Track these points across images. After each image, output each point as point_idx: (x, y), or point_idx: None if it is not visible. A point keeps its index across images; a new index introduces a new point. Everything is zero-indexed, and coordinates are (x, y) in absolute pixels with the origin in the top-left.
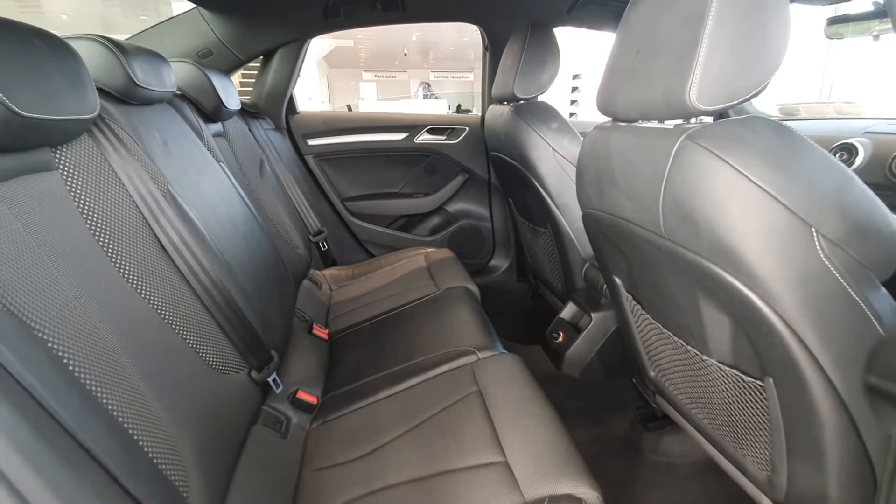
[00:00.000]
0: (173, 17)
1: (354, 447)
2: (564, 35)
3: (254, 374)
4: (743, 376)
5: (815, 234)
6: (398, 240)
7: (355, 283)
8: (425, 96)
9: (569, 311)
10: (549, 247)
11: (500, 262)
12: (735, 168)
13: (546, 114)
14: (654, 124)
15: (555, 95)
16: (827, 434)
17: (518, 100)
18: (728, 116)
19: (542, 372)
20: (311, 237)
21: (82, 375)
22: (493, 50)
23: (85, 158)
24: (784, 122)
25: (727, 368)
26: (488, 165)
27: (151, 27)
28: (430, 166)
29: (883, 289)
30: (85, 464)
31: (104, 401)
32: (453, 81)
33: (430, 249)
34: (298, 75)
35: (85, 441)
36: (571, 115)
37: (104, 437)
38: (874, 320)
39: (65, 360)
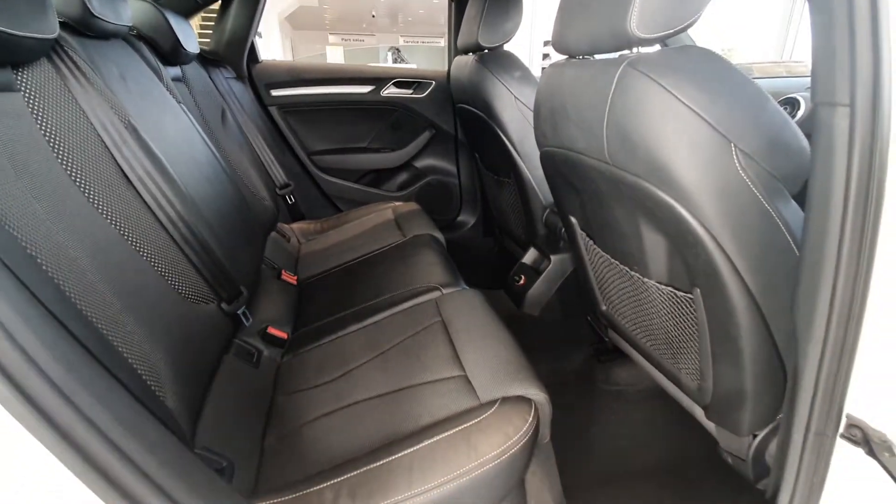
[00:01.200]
0: None
1: (325, 373)
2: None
3: (224, 305)
4: (676, 292)
5: (733, 148)
6: (366, 195)
7: (324, 237)
8: (395, 62)
9: (530, 255)
10: (512, 197)
11: (467, 218)
12: (667, 90)
13: (509, 62)
14: (602, 56)
15: (526, 62)
16: (743, 333)
17: (482, 49)
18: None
19: (504, 312)
20: (277, 190)
21: (53, 274)
22: (458, 2)
23: (46, 83)
24: (715, 52)
25: (663, 287)
26: (455, 121)
27: None
28: (396, 121)
29: (793, 201)
30: (71, 347)
31: (76, 301)
32: (424, 47)
33: (397, 203)
34: (259, 20)
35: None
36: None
37: (82, 332)
38: (783, 228)
39: (39, 261)
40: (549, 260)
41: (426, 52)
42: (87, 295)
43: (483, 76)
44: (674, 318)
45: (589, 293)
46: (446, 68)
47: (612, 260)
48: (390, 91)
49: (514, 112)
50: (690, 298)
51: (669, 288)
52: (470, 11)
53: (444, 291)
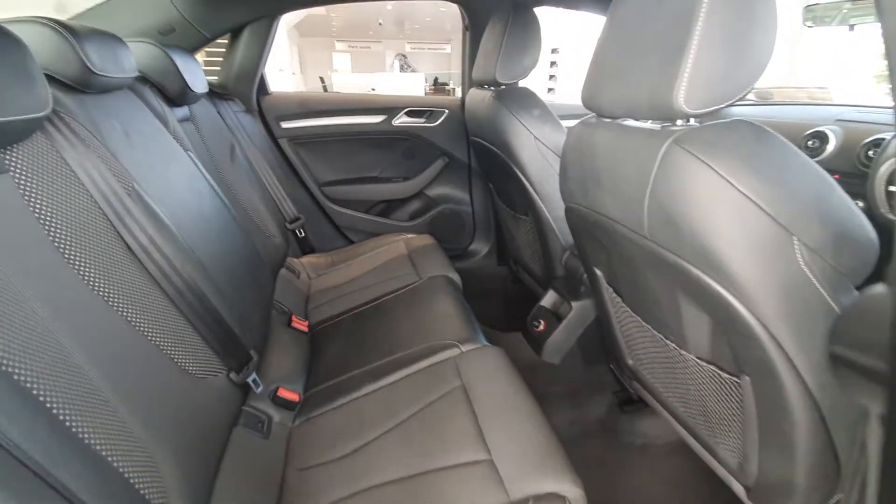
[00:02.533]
0: None
1: (339, 445)
2: (543, 8)
3: (233, 375)
4: (720, 372)
5: (795, 243)
6: (378, 225)
7: (334, 271)
8: (402, 69)
9: (549, 298)
10: (529, 234)
11: (481, 247)
12: (720, 174)
13: (528, 100)
14: (640, 123)
15: (532, 71)
16: (798, 430)
17: (499, 84)
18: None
19: (523, 359)
20: (287, 224)
21: (49, 401)
22: (474, 30)
23: (38, 157)
24: (766, 126)
25: (705, 364)
26: (468, 149)
27: (104, 2)
28: (408, 150)
29: (856, 293)
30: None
31: (74, 426)
32: (430, 54)
33: (410, 235)
34: (269, 54)
35: (55, 473)
36: (550, 90)
37: (77, 467)
38: None
39: (30, 387)
40: (571, 306)
41: (432, 59)
42: (85, 407)
43: (501, 114)
44: (715, 396)
45: (613, 345)
46: (451, 77)
47: (644, 324)
48: (402, 120)
49: (534, 152)
50: (737, 382)
51: (712, 367)
52: (487, 44)
53: (464, 348)
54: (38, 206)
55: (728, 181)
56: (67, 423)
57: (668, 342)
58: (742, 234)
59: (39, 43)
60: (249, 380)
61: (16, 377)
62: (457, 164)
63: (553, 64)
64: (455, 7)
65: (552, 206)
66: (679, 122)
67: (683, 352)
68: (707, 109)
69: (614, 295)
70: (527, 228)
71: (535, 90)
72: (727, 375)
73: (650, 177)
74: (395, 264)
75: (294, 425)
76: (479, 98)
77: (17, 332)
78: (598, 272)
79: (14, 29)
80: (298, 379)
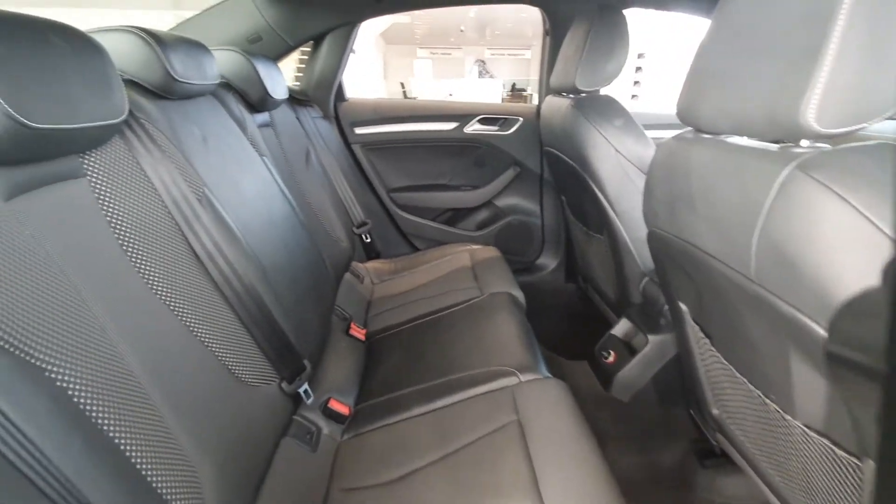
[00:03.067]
0: (223, 2)
1: (385, 468)
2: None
3: (284, 385)
4: (835, 449)
5: None
6: (443, 234)
7: (397, 279)
8: (480, 74)
9: (622, 327)
10: (603, 254)
11: (548, 261)
12: (862, 213)
13: (610, 110)
14: (750, 141)
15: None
16: None
17: (579, 92)
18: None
19: (587, 390)
20: (354, 229)
21: (90, 408)
22: (555, 35)
23: (115, 162)
24: None
25: (815, 436)
26: (541, 159)
27: (202, 12)
28: (479, 158)
29: None
30: None
31: (113, 435)
32: (509, 59)
33: (475, 246)
34: (347, 61)
35: (83, 490)
36: (633, 96)
37: (107, 484)
38: None
39: (71, 394)
40: (647, 339)
41: (511, 64)
42: (129, 415)
43: (579, 124)
44: (825, 475)
45: (696, 390)
46: (529, 82)
47: (738, 375)
48: (475, 128)
49: (613, 166)
50: (856, 465)
51: (825, 441)
52: (567, 49)
53: (522, 378)
54: (110, 209)
55: (871, 221)
56: (107, 432)
57: (767, 401)
58: None
59: (127, 51)
60: (301, 390)
61: (59, 383)
62: (528, 175)
63: (638, 69)
64: (537, 12)
65: (631, 225)
66: (804, 142)
67: (787, 416)
68: (843, 129)
69: (701, 335)
70: (600, 247)
71: (617, 97)
72: (844, 454)
73: (762, 208)
74: (457, 276)
75: (342, 440)
76: (556, 106)
77: (71, 335)
78: (683, 306)
79: (105, 37)
80: (350, 390)
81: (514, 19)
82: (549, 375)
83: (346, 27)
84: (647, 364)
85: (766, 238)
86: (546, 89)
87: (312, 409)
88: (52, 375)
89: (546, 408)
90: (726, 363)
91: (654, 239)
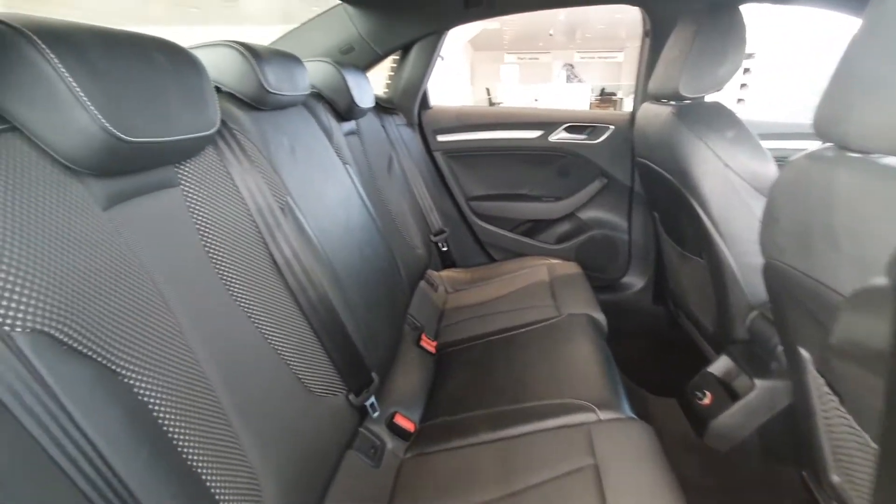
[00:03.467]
0: (320, 15)
1: (445, 496)
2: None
3: (352, 397)
4: None
5: None
6: (522, 245)
7: (472, 289)
8: (568, 79)
9: (721, 365)
10: (701, 278)
11: (635, 281)
12: None
13: (719, 118)
14: None
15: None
16: None
17: (682, 99)
18: None
19: (675, 432)
20: (431, 236)
21: (162, 415)
22: (656, 36)
23: (207, 171)
24: None
25: None
26: (632, 171)
27: (300, 25)
28: (564, 167)
29: None
30: None
31: (180, 442)
32: (599, 62)
33: (554, 261)
34: (433, 69)
35: (143, 502)
36: (739, 100)
37: (168, 497)
38: None
39: (144, 400)
40: (753, 384)
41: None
42: (200, 424)
43: (681, 135)
44: None
45: (812, 449)
46: (620, 86)
47: (872, 444)
48: (560, 136)
49: (721, 183)
50: None
51: None
52: (670, 51)
53: (602, 416)
54: (199, 216)
55: None
56: (174, 440)
57: None
58: None
59: (226, 64)
60: (367, 403)
61: (136, 390)
62: (616, 187)
63: (746, 71)
64: (633, 12)
65: (739, 250)
66: None
67: None
68: None
69: (826, 390)
70: (698, 271)
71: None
72: None
73: None
74: (534, 291)
75: (405, 457)
76: (654, 114)
77: (153, 343)
78: (805, 353)
79: (207, 52)
80: (416, 406)
81: (607, 21)
82: (633, 416)
83: (434, 36)
84: (752, 413)
85: None
86: (643, 96)
87: (378, 422)
88: (130, 382)
89: (627, 453)
90: (859, 429)
91: (773, 273)
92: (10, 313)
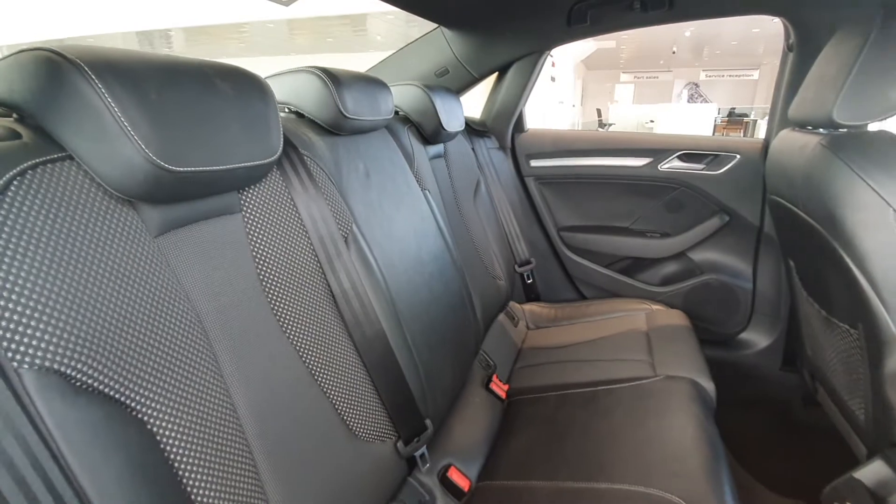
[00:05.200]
0: (419, 38)
1: None
2: None
3: (400, 445)
4: None
5: None
6: (618, 285)
7: (556, 328)
8: (690, 98)
9: (874, 472)
10: (853, 352)
11: (758, 339)
12: None
13: (889, 152)
14: None
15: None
16: None
17: (836, 127)
18: None
19: None
20: (516, 267)
21: (179, 460)
22: (802, 51)
23: (270, 198)
24: None
25: None
26: (762, 209)
27: (399, 49)
28: (675, 201)
29: None
30: None
31: (196, 491)
32: (730, 81)
33: (656, 307)
34: (531, 91)
35: None
36: None
37: None
38: None
39: (160, 439)
40: None
41: (731, 87)
42: (222, 473)
43: (833, 170)
44: None
45: None
46: (753, 108)
47: None
48: (673, 164)
49: (890, 237)
50: None
51: None
52: (824, 68)
53: None
54: (257, 243)
55: None
56: (186, 486)
57: None
58: None
59: (306, 90)
60: (417, 454)
61: (149, 426)
62: (740, 226)
63: None
64: (773, 26)
65: None
66: None
67: None
68: None
69: None
70: (848, 343)
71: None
72: None
73: None
74: (627, 341)
75: None
76: (797, 144)
77: (182, 375)
78: None
79: (288, 77)
80: (475, 460)
81: (741, 36)
82: None
83: (533, 56)
84: None
85: None
86: (781, 121)
87: (429, 474)
88: (144, 419)
89: None
90: None
91: None
92: (23, 348)
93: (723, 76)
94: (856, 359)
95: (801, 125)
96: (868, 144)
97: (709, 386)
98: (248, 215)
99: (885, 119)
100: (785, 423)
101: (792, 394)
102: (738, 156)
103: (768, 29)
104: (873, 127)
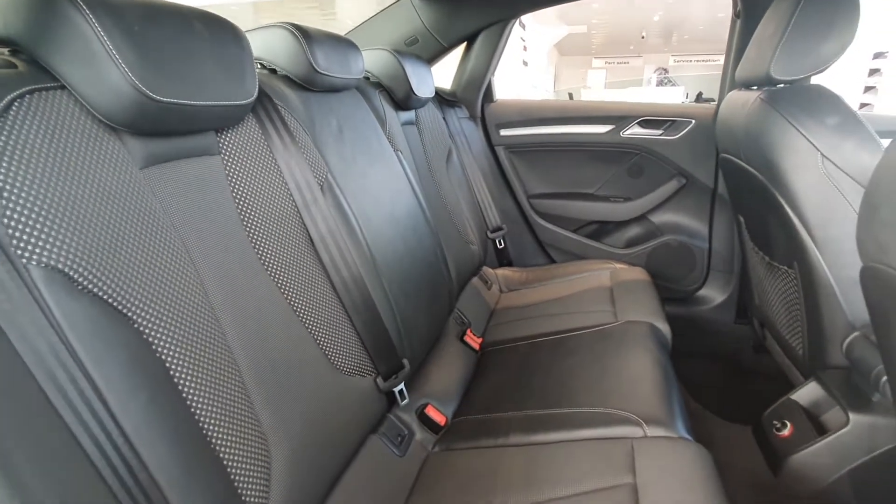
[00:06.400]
0: (388, 7)
1: (466, 496)
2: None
3: (380, 381)
4: None
5: None
6: (585, 248)
7: (527, 290)
8: (660, 83)
9: (809, 393)
10: (790, 292)
11: (714, 294)
12: None
13: (819, 102)
14: None
15: (836, 80)
16: None
17: (774, 83)
18: None
19: (745, 472)
20: (488, 233)
21: (174, 368)
22: (748, 17)
23: (248, 144)
24: None
25: None
26: (716, 170)
27: (369, 18)
28: (636, 166)
29: None
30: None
31: (190, 397)
32: (697, 65)
33: (619, 265)
34: (498, 62)
35: (138, 449)
36: (863, 105)
37: (164, 448)
38: None
39: (154, 348)
40: (847, 418)
41: (699, 72)
42: (215, 390)
43: (770, 122)
44: None
45: None
46: (716, 102)
47: None
48: (633, 131)
49: (817, 177)
50: None
51: None
52: (764, 29)
53: (649, 431)
54: (236, 185)
55: None
56: (183, 394)
57: None
58: None
59: (279, 45)
60: (396, 389)
61: (145, 336)
62: (696, 188)
63: (874, 72)
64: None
65: (838, 260)
66: None
67: None
68: None
69: None
70: (787, 284)
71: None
72: None
73: None
74: (592, 296)
75: (432, 451)
76: (740, 101)
77: (172, 294)
78: None
79: (262, 32)
80: (451, 401)
81: (708, 21)
82: (688, 437)
83: (498, 27)
84: (843, 452)
85: None
86: (730, 84)
87: (408, 410)
88: (141, 329)
89: (676, 476)
90: None
91: (873, 279)
92: (30, 247)
93: (691, 61)
94: (794, 296)
95: (746, 85)
96: (801, 96)
97: (665, 328)
98: (226, 158)
99: (818, 73)
100: (737, 369)
101: (745, 343)
102: (694, 121)
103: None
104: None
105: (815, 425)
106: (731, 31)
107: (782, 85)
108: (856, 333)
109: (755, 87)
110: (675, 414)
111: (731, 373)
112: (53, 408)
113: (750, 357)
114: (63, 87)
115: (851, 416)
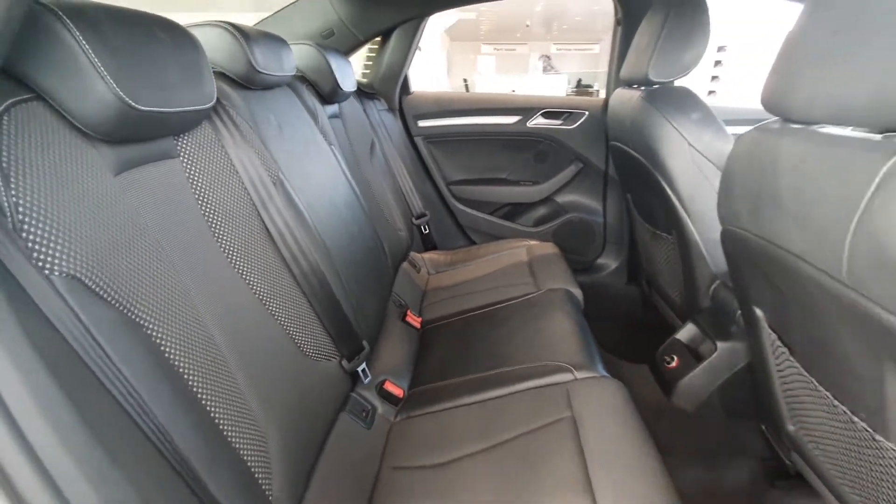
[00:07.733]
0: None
1: (432, 452)
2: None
3: (344, 363)
4: None
5: None
6: (501, 228)
7: (453, 270)
8: (545, 70)
9: (687, 332)
10: (670, 255)
11: (609, 262)
12: None
13: (684, 101)
14: (847, 131)
15: (691, 72)
16: None
17: (651, 84)
18: None
19: (648, 398)
20: (413, 220)
21: (178, 363)
22: (627, 24)
23: (204, 146)
24: None
25: None
26: (606, 155)
27: (281, 9)
28: (541, 153)
29: None
30: (165, 471)
31: (197, 391)
32: (576, 54)
33: (532, 242)
34: (414, 55)
35: (172, 434)
36: (710, 92)
37: (191, 432)
38: None
39: (162, 348)
40: (715, 346)
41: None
42: (212, 378)
43: (649, 116)
44: None
45: (769, 403)
46: (596, 78)
47: (820, 388)
48: (537, 122)
49: (686, 162)
50: None
51: None
52: (641, 38)
53: (578, 375)
54: (198, 187)
55: None
56: (191, 388)
57: (854, 419)
58: None
59: (217, 43)
60: (359, 369)
61: (154, 339)
62: (591, 171)
63: (718, 63)
64: (609, 4)
65: (703, 226)
66: None
67: (879, 437)
68: None
69: (779, 344)
70: (668, 248)
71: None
72: None
73: (861, 202)
74: (513, 271)
75: (395, 421)
76: (626, 99)
77: (164, 298)
78: (759, 312)
79: (198, 31)
80: (404, 375)
81: (584, 12)
82: (607, 375)
83: (414, 21)
84: (714, 372)
85: (863, 235)
86: (615, 82)
87: (369, 388)
88: (148, 331)
89: (602, 407)
90: (807, 375)
91: (730, 239)
92: (49, 258)
93: (570, 50)
94: (673, 258)
95: (629, 84)
96: (672, 96)
97: (577, 293)
98: (185, 160)
99: (683, 76)
100: (630, 320)
101: (636, 301)
102: (587, 112)
103: (605, 6)
104: (678, 84)
105: (694, 356)
106: (613, 36)
107: (657, 86)
108: (718, 282)
109: (636, 87)
110: (596, 359)
111: (627, 328)
112: (106, 390)
113: (640, 310)
114: (38, 98)
115: (718, 344)
